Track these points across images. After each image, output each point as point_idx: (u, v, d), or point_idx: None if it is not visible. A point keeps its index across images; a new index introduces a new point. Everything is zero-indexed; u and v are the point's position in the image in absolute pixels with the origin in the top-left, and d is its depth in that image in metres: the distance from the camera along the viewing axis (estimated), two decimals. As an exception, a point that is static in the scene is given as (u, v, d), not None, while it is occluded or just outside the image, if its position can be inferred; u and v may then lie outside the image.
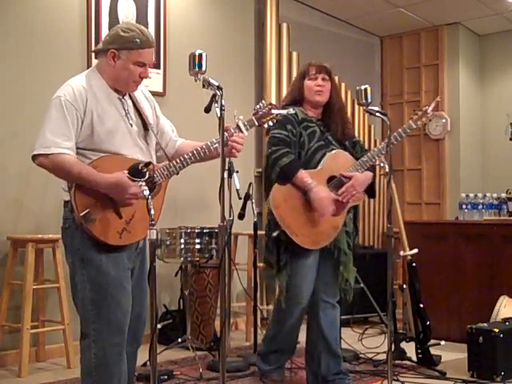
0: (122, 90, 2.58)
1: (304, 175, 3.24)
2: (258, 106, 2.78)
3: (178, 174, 2.60)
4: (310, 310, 3.45)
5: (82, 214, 2.41)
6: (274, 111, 2.76)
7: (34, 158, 2.44)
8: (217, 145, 2.58)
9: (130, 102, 2.60)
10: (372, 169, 3.42)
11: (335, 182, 3.31)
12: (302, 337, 3.62)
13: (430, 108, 3.46)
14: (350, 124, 3.60)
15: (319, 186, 3.24)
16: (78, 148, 2.46)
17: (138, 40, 2.48)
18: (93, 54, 2.82)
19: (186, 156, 2.59)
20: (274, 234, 3.29)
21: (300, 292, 3.34)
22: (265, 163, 3.35)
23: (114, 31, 2.54)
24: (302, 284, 3.34)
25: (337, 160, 3.34)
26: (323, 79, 3.39)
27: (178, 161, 2.58)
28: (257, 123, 2.75)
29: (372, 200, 6.65)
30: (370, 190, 3.50)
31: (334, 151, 3.35)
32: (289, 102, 3.46)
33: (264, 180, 3.44)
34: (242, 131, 2.66)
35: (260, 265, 4.80)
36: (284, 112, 2.85)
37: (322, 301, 3.40)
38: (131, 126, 2.56)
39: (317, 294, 3.40)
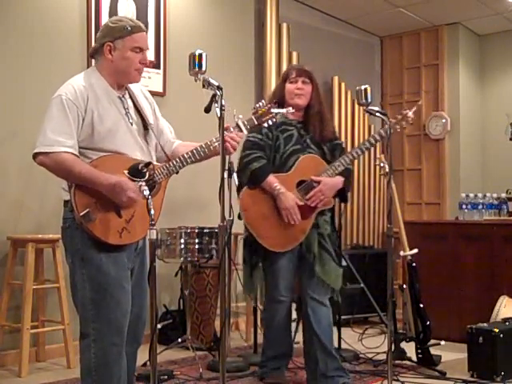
0: (125, 84, 2.58)
1: (273, 181, 3.33)
2: (257, 105, 2.78)
3: (177, 173, 2.60)
4: (302, 307, 3.51)
5: (81, 214, 2.40)
6: (274, 110, 2.76)
7: (35, 156, 2.43)
8: (216, 144, 2.58)
9: (129, 101, 2.60)
10: (346, 173, 3.45)
11: (305, 186, 3.38)
12: (300, 337, 3.62)
13: (411, 112, 3.47)
14: (331, 126, 3.61)
15: (287, 193, 3.32)
16: (78, 147, 2.45)
17: (128, 27, 2.49)
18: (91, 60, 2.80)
19: (185, 155, 2.59)
20: (243, 235, 3.49)
21: (277, 290, 3.44)
22: (237, 166, 3.38)
23: (104, 26, 2.56)
24: (278, 283, 3.43)
25: (308, 164, 3.40)
26: (303, 82, 3.47)
27: (178, 160, 2.58)
28: (256, 122, 2.75)
29: (372, 200, 6.67)
30: (342, 195, 3.53)
31: (305, 155, 3.41)
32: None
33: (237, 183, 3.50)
34: (241, 130, 2.67)
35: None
36: (283, 111, 2.85)
37: (309, 298, 3.44)
38: (131, 124, 2.56)
39: (304, 291, 3.45)
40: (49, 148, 2.39)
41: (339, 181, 3.42)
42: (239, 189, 3.39)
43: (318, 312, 3.43)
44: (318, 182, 3.36)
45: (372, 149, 6.68)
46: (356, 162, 6.57)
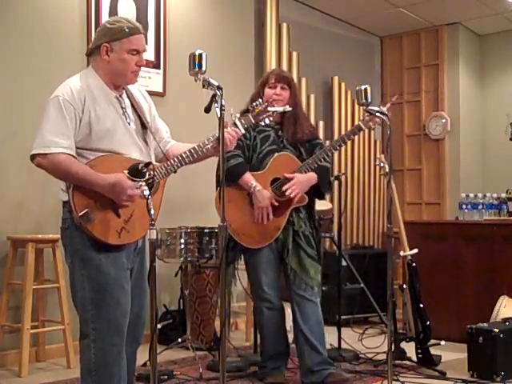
0: (121, 85, 2.58)
1: (249, 178, 3.43)
2: (254, 104, 2.79)
3: (175, 172, 2.61)
4: (291, 307, 3.58)
5: (80, 214, 2.41)
6: (271, 109, 2.78)
7: (33, 157, 2.44)
8: (214, 142, 2.60)
9: (127, 101, 2.60)
10: (319, 170, 3.51)
11: (278, 184, 3.47)
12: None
13: (385, 108, 3.47)
14: (306, 128, 3.62)
15: (263, 191, 3.42)
16: (76, 148, 2.45)
17: (126, 28, 2.49)
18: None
19: (183, 155, 2.59)
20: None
21: (261, 288, 3.51)
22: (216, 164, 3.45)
23: (102, 27, 2.55)
24: (260, 280, 3.51)
25: (281, 162, 3.49)
26: (282, 88, 3.56)
27: (176, 159, 2.58)
28: (253, 121, 2.77)
29: (372, 200, 6.66)
30: (317, 192, 3.60)
31: (278, 153, 3.50)
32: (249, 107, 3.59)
33: (215, 180, 3.55)
34: (238, 129, 2.68)
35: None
36: (280, 109, 2.87)
37: (294, 294, 3.52)
38: (129, 124, 2.56)
39: (289, 289, 3.54)
40: (46, 149, 2.39)
41: (312, 176, 3.50)
42: (217, 186, 3.43)
43: (304, 308, 3.50)
44: (291, 179, 3.43)
45: (372, 149, 6.71)
46: (356, 162, 6.58)
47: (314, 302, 3.53)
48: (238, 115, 2.72)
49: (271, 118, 2.82)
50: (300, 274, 3.48)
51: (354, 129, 3.53)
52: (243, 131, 2.72)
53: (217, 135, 2.56)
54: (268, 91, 3.56)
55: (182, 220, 4.61)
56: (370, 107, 3.11)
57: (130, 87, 2.65)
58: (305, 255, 3.51)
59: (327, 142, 5.06)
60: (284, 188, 3.42)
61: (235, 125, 2.68)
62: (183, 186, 4.56)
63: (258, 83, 3.73)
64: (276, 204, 3.44)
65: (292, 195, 3.41)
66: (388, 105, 3.48)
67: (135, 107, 2.61)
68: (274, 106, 2.82)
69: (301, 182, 3.44)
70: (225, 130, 2.59)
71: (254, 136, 3.55)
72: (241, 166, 3.46)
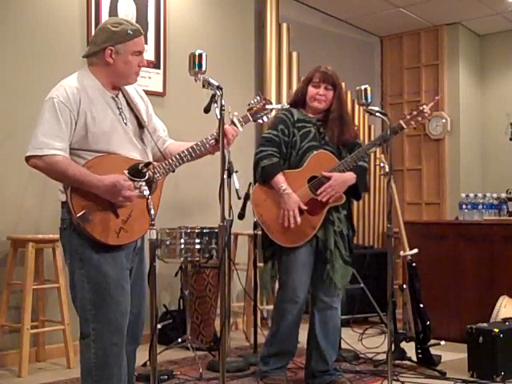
0: (122, 85, 2.58)
1: (280, 180, 3.38)
2: (252, 102, 2.79)
3: (174, 171, 2.61)
4: (309, 307, 3.53)
5: (78, 215, 2.40)
6: (268, 106, 2.77)
7: (27, 159, 2.43)
8: (211, 140, 2.60)
9: (123, 101, 2.59)
10: (358, 170, 3.44)
11: (316, 182, 3.40)
12: (302, 337, 3.62)
13: (427, 108, 3.45)
14: (352, 130, 3.58)
15: (292, 195, 3.36)
16: (72, 149, 2.45)
17: (130, 31, 2.49)
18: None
19: (181, 154, 2.59)
20: (257, 231, 3.53)
21: (294, 290, 3.43)
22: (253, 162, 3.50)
23: (105, 29, 2.52)
24: (295, 282, 3.42)
25: (320, 160, 3.41)
26: (326, 88, 3.46)
27: (174, 159, 2.59)
28: (251, 119, 2.77)
29: (372, 200, 6.66)
30: (355, 192, 3.52)
31: (317, 151, 3.42)
32: (291, 102, 3.59)
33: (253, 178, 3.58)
34: (236, 127, 2.68)
35: (260, 265, 4.81)
36: (278, 106, 2.87)
37: (319, 300, 3.48)
38: (126, 124, 2.55)
39: (315, 293, 3.49)
40: (39, 151, 2.38)
41: (351, 177, 3.41)
42: (255, 183, 3.51)
43: (324, 314, 3.47)
44: (329, 178, 3.36)
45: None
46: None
47: (336, 308, 3.50)
48: (236, 114, 2.71)
49: (269, 115, 2.82)
50: (333, 278, 3.41)
51: (396, 127, 3.41)
52: (241, 130, 2.71)
53: (215, 133, 2.57)
54: (311, 90, 3.47)
55: (183, 220, 4.61)
56: (369, 107, 3.10)
57: (127, 87, 2.64)
58: (340, 258, 3.44)
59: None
60: (319, 191, 3.35)
61: (233, 123, 2.68)
62: (184, 185, 4.57)
63: (303, 79, 3.61)
64: (304, 208, 3.36)
65: (324, 199, 3.35)
66: (431, 103, 3.49)
67: (132, 107, 2.61)
68: (271, 104, 2.82)
69: (338, 182, 3.35)
70: (226, 128, 2.60)
71: (293, 132, 3.45)
72: (273, 167, 3.40)
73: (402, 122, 3.44)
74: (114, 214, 2.46)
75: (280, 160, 3.43)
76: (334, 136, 3.47)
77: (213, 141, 2.60)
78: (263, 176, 3.41)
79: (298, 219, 3.34)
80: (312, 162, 3.41)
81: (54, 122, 2.40)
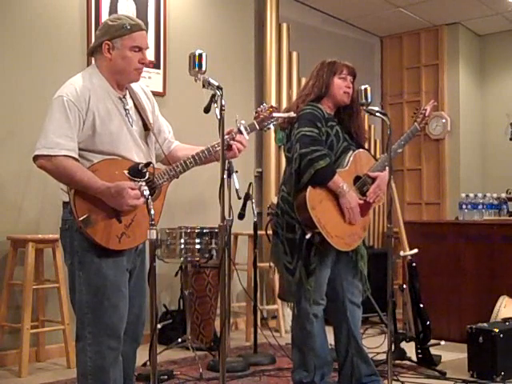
0: (125, 83, 2.56)
1: (339, 180, 3.18)
2: (259, 109, 2.77)
3: (178, 177, 2.60)
4: (338, 312, 3.35)
5: (81, 219, 2.38)
6: (275, 114, 2.76)
7: (35, 159, 2.40)
8: (218, 148, 2.55)
9: (130, 102, 2.58)
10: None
11: (361, 183, 3.32)
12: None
13: (428, 111, 3.49)
14: (366, 131, 3.56)
15: (352, 193, 3.21)
16: (78, 149, 2.43)
17: (127, 25, 2.47)
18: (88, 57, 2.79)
19: (187, 161, 2.57)
20: (308, 235, 3.17)
21: (321, 293, 3.27)
22: (297, 163, 3.17)
23: (104, 24, 2.52)
24: (322, 285, 3.27)
25: (360, 160, 3.33)
26: (351, 82, 3.38)
27: (179, 165, 2.57)
28: (258, 127, 2.75)
29: (372, 200, 6.65)
30: None
31: (357, 151, 3.32)
32: (315, 96, 3.34)
33: (294, 180, 3.25)
34: (243, 135, 2.66)
35: (260, 265, 4.81)
36: (285, 115, 2.84)
37: (349, 302, 3.33)
38: (132, 126, 2.54)
39: (343, 295, 3.33)
40: (50, 151, 2.35)
41: (387, 176, 3.31)
42: (295, 187, 3.22)
43: (355, 316, 3.36)
44: (374, 178, 3.31)
45: (372, 149, 6.70)
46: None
47: (361, 308, 3.40)
48: (244, 122, 2.68)
49: (275, 123, 2.79)
50: (360, 268, 3.35)
51: (413, 130, 3.45)
52: (247, 137, 2.67)
53: (227, 139, 2.56)
54: (339, 82, 3.32)
55: (183, 220, 4.61)
56: (369, 107, 3.10)
57: (134, 86, 2.62)
58: (362, 260, 3.38)
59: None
60: (369, 192, 3.28)
61: (240, 131, 2.65)
62: (184, 185, 4.54)
63: (320, 71, 3.39)
64: (361, 203, 3.27)
65: (371, 201, 3.29)
66: (429, 109, 3.53)
67: (138, 108, 2.59)
68: (278, 112, 2.78)
69: (384, 182, 3.28)
70: (236, 138, 2.59)
71: (327, 131, 3.27)
72: (330, 168, 3.17)
73: (416, 124, 3.48)
74: (117, 219, 2.44)
75: (332, 160, 3.24)
76: (358, 133, 3.39)
77: (219, 148, 2.50)
78: (319, 178, 3.15)
79: (360, 216, 3.25)
80: (354, 162, 3.29)
81: (63, 121, 2.38)
